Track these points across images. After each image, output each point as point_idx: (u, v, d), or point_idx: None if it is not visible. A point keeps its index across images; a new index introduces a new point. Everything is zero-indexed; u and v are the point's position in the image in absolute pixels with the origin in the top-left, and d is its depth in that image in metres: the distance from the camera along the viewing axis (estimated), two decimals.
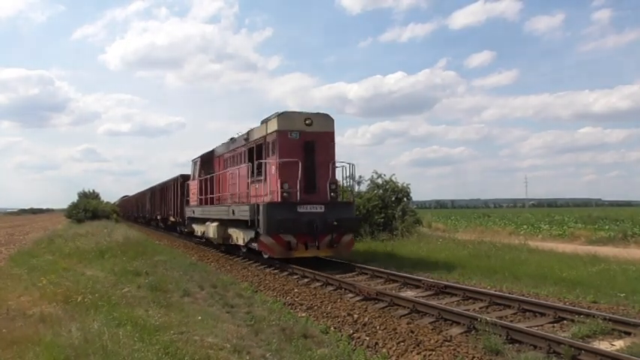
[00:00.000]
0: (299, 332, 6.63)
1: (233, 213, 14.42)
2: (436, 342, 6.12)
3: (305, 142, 12.92)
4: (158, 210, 32.29)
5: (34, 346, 5.23)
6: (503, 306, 8.03)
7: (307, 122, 13.02)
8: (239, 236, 14.93)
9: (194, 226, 20.95)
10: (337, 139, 13.79)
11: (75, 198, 43.60)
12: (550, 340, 5.82)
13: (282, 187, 12.61)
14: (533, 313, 7.54)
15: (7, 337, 5.63)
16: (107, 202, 51.68)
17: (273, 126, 13.20)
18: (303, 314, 8.05)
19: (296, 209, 12.37)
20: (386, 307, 8.29)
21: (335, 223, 12.45)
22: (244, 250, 15.29)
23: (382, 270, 11.44)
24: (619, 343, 5.99)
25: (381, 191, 22.38)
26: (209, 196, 18.68)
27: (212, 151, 19.80)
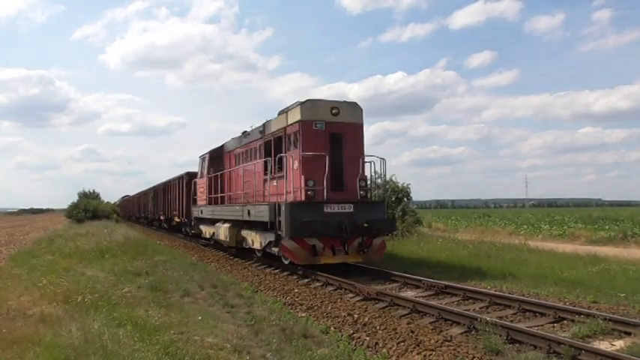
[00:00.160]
0: (299, 332, 6.63)
1: (248, 214, 13.10)
2: (436, 342, 6.12)
3: (331, 133, 11.54)
4: (161, 210, 30.90)
5: (34, 346, 5.23)
6: (503, 306, 8.03)
7: (334, 111, 11.59)
8: (255, 239, 13.54)
9: (202, 227, 19.77)
10: None
11: (75, 198, 43.68)
12: (550, 340, 5.82)
13: (306, 185, 11.20)
14: (534, 313, 7.54)
15: (7, 337, 5.63)
16: (107, 202, 51.73)
17: (295, 116, 11.77)
18: (304, 314, 8.05)
19: (322, 209, 11.02)
20: (386, 307, 8.29)
21: (365, 224, 11.13)
22: (259, 255, 14.08)
23: (385, 270, 11.38)
24: (619, 343, 5.99)
25: (380, 191, 22.36)
26: (219, 195, 17.40)
27: (222, 147, 18.45)
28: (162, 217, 31.01)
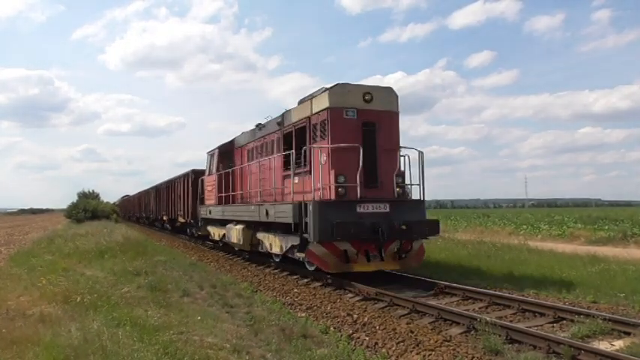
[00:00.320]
0: (298, 332, 6.64)
1: (266, 214, 11.88)
2: (436, 342, 6.12)
3: (364, 122, 10.31)
4: (165, 210, 29.38)
5: (34, 346, 5.23)
6: (502, 306, 8.03)
7: (366, 97, 10.33)
8: (273, 243, 12.22)
9: (210, 228, 18.47)
10: None
11: (74, 198, 43.70)
12: (550, 340, 5.83)
13: (336, 181, 9.98)
14: (533, 313, 7.54)
15: (6, 337, 5.63)
16: (107, 202, 51.76)
17: (322, 102, 10.47)
18: (303, 314, 8.05)
19: (355, 209, 9.81)
20: (385, 307, 8.29)
21: (403, 226, 9.92)
22: (277, 260, 12.93)
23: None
24: (618, 343, 6.00)
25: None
26: (230, 193, 16.18)
27: (232, 142, 17.14)
28: (165, 218, 29.79)
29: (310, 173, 10.55)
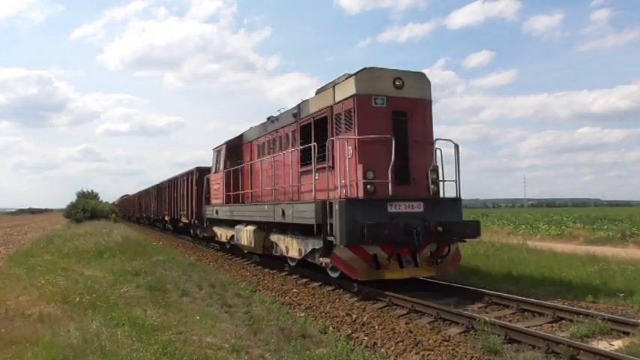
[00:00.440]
0: (297, 332, 6.64)
1: (282, 214, 10.86)
2: (435, 342, 6.12)
3: (394, 111, 9.31)
4: (166, 210, 28.25)
5: (33, 345, 5.23)
6: (501, 306, 8.03)
7: (397, 84, 9.35)
8: (290, 246, 11.17)
9: (216, 229, 17.45)
10: None
11: (73, 198, 43.76)
12: (549, 340, 5.82)
13: (365, 177, 8.96)
14: (532, 313, 7.54)
15: (5, 337, 5.63)
16: (106, 202, 51.81)
17: (347, 89, 9.48)
18: (302, 314, 8.05)
19: (386, 208, 8.80)
20: (384, 307, 8.29)
21: (439, 228, 9.02)
22: (292, 265, 11.85)
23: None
24: (617, 343, 6.00)
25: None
26: (240, 192, 15.18)
27: (240, 137, 16.12)
28: (166, 218, 28.70)
29: (333, 169, 9.55)
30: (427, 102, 9.74)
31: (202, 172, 20.13)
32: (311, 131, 10.74)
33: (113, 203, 59.17)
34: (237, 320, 7.39)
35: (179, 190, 24.57)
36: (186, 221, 22.96)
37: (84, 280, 9.48)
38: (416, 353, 5.84)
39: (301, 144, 11.16)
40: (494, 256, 13.79)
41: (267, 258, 13.46)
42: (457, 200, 9.78)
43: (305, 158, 10.83)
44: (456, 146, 9.79)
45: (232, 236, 15.34)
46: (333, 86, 10.06)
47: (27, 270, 11.02)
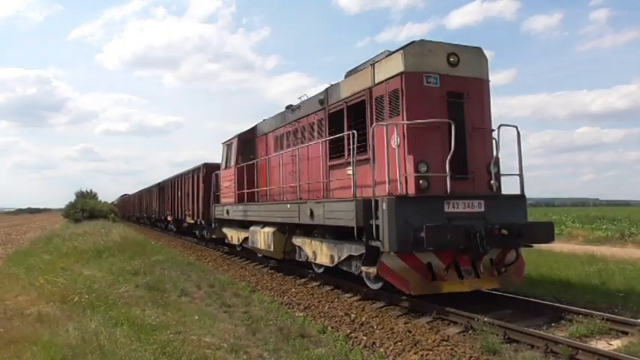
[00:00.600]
0: (296, 332, 6.64)
1: (311, 214, 9.36)
2: (433, 342, 6.13)
3: (448, 92, 7.90)
4: (169, 209, 26.72)
5: (32, 345, 5.23)
6: (500, 305, 8.02)
7: (452, 60, 7.95)
8: (319, 251, 9.70)
9: (226, 230, 15.99)
10: None
11: (72, 198, 43.78)
12: (547, 339, 5.83)
13: (416, 170, 7.54)
14: (531, 312, 7.54)
15: (4, 337, 5.63)
16: (105, 202, 51.82)
17: (392, 67, 8.04)
18: (301, 314, 8.05)
19: (442, 208, 7.42)
20: (383, 306, 8.28)
21: (504, 231, 7.57)
22: (319, 271, 10.42)
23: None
24: (616, 343, 6.00)
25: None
26: (255, 189, 13.78)
27: (253, 129, 14.69)
28: (169, 218, 27.18)
29: (372, 161, 7.96)
30: (485, 82, 8.38)
31: (210, 169, 18.68)
32: (343, 119, 9.36)
33: (112, 203, 59.19)
34: (236, 320, 7.39)
35: (184, 189, 23.08)
36: (192, 221, 21.50)
37: (83, 279, 9.47)
38: (415, 353, 5.84)
39: (330, 134, 9.81)
40: None
41: (288, 263, 12.08)
42: (521, 197, 8.49)
43: (335, 150, 9.60)
44: (518, 133, 8.32)
45: (245, 238, 13.91)
46: (372, 64, 8.66)
47: (26, 270, 11.01)
